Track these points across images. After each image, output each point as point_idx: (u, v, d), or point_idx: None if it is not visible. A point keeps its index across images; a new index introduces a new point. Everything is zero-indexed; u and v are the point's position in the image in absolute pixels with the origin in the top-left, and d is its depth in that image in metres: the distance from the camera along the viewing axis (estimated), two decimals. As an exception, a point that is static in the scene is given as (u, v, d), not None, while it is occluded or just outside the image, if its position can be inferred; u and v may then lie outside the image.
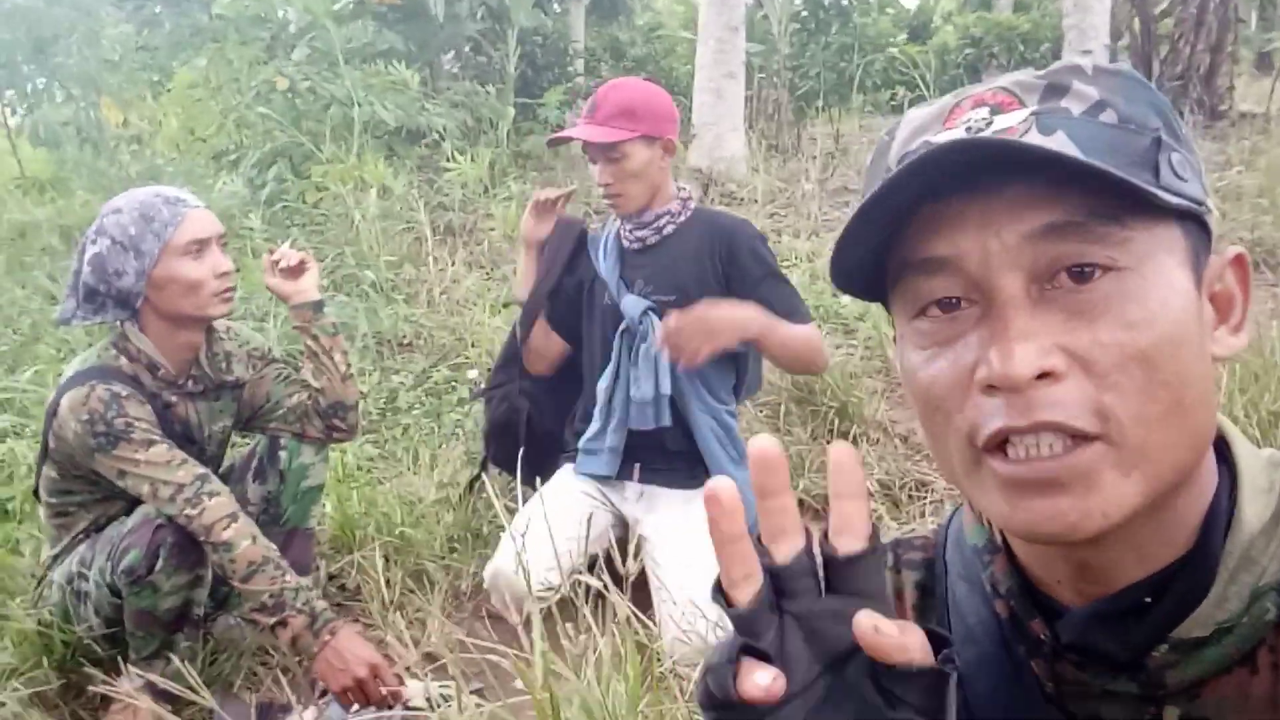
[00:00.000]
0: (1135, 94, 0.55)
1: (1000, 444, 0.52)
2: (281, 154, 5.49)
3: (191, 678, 1.40)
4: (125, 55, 6.13)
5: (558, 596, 2.12)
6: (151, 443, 1.83)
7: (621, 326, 2.23)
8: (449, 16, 7.74)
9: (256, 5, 6.21)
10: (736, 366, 2.28)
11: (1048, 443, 0.50)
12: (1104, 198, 0.50)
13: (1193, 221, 0.54)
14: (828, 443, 2.90)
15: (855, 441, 2.90)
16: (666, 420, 2.17)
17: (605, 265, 2.29)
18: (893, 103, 8.39)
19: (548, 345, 2.45)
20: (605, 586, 1.46)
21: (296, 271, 2.07)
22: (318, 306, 2.09)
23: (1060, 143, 0.52)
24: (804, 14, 7.96)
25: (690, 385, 2.20)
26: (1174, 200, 0.51)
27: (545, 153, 7.21)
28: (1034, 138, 0.52)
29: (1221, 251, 0.57)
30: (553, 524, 1.88)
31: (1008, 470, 0.52)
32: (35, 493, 2.05)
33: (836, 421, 2.97)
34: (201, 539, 1.81)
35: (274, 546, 1.87)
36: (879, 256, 0.58)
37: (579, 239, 2.40)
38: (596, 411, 2.26)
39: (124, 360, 1.93)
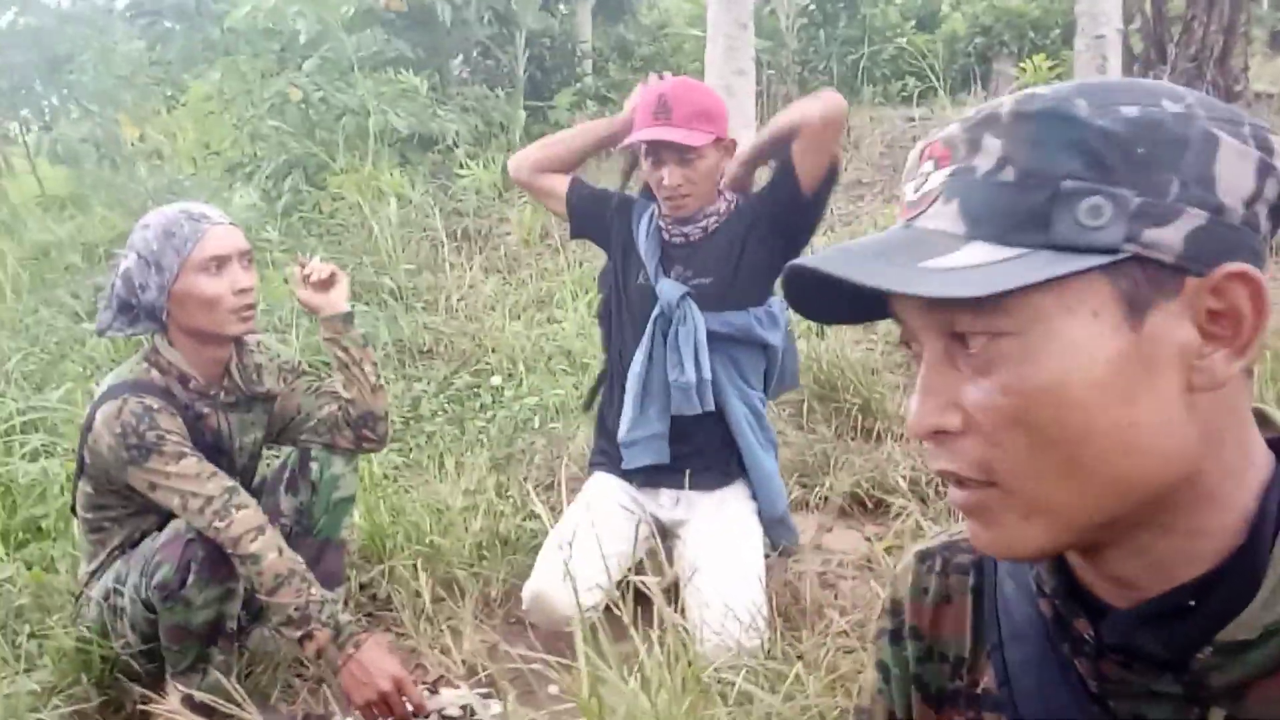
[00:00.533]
0: (1050, 138, 0.53)
1: None
2: (296, 165, 5.52)
3: (236, 691, 1.41)
4: (138, 71, 6.17)
5: (595, 615, 2.13)
6: (182, 455, 1.85)
7: (656, 311, 2.21)
8: (457, 22, 7.75)
9: (267, 17, 6.23)
10: (766, 354, 2.27)
11: (952, 483, 0.57)
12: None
13: (1134, 262, 0.51)
14: (851, 440, 2.91)
15: (879, 438, 2.90)
16: (710, 404, 2.16)
17: (645, 245, 2.26)
18: (903, 94, 8.35)
19: (547, 181, 2.38)
20: (647, 592, 1.46)
21: (327, 284, 2.08)
22: (348, 319, 2.10)
23: (950, 215, 0.55)
24: (811, 8, 7.93)
25: (724, 370, 2.20)
26: (1036, 274, 0.51)
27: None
28: (937, 208, 0.56)
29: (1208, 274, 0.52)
30: (592, 539, 1.88)
31: (950, 499, 0.59)
32: (72, 509, 2.07)
33: (860, 418, 2.97)
34: (229, 551, 1.82)
35: (300, 560, 1.88)
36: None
37: (625, 200, 2.38)
38: (630, 400, 2.23)
39: (155, 373, 1.95)
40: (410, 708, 1.85)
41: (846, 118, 2.10)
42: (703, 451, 2.23)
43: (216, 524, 1.82)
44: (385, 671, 1.83)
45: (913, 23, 8.33)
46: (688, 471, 2.21)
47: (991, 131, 0.55)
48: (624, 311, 2.31)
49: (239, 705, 1.36)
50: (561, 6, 10.59)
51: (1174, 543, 0.56)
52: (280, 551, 1.84)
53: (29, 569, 2.28)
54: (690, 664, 1.41)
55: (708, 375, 2.16)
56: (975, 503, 0.56)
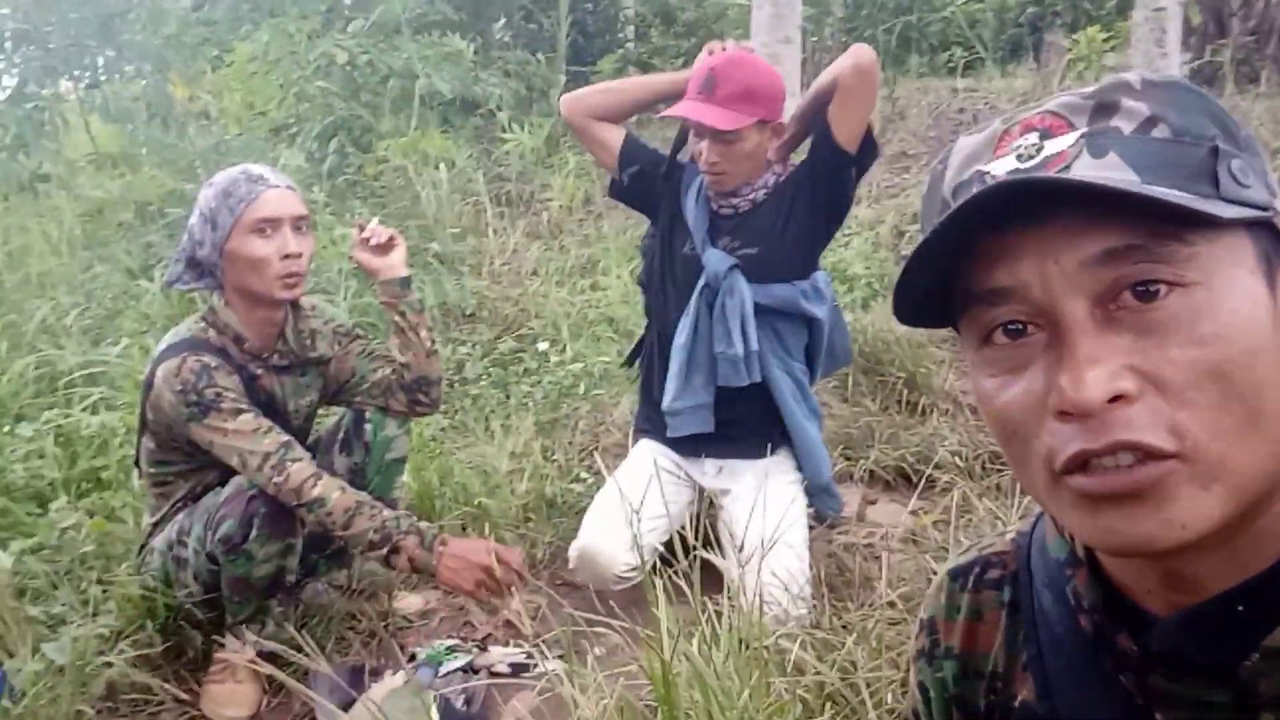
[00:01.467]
0: (1188, 104, 0.54)
1: (1079, 466, 0.52)
2: (341, 127, 5.54)
3: (306, 641, 1.45)
4: (185, 30, 6.20)
5: (641, 576, 2.16)
6: (239, 412, 1.89)
7: (702, 282, 2.20)
8: (500, -16, 7.72)
9: (315, -22, 6.24)
10: (810, 328, 2.27)
11: (1126, 461, 0.51)
12: (1163, 217, 0.50)
13: (1261, 226, 0.54)
14: (896, 414, 2.91)
15: (925, 413, 2.90)
16: (757, 375, 2.17)
17: (693, 215, 2.25)
18: (950, 64, 8.22)
19: (601, 131, 2.33)
20: (710, 559, 1.48)
21: (385, 248, 2.10)
22: (405, 283, 2.12)
23: (1112, 164, 0.52)
24: (859, -25, 7.80)
25: (768, 342, 2.20)
26: (1235, 212, 0.51)
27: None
28: (1085, 162, 0.53)
29: None
30: (637, 502, 1.90)
31: (1085, 484, 0.52)
32: (136, 463, 2.13)
33: (905, 392, 2.97)
34: (293, 504, 1.87)
35: (363, 492, 1.94)
36: (944, 288, 0.59)
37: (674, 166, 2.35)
38: (675, 370, 2.23)
39: (212, 333, 1.98)
40: (515, 571, 1.90)
41: (879, 70, 2.06)
42: (746, 421, 2.24)
43: (275, 479, 1.86)
44: (478, 550, 1.89)
45: (962, -8, 8.18)
46: (731, 440, 2.23)
47: (1128, 96, 0.54)
48: (668, 280, 2.30)
49: (302, 651, 1.40)
50: (604, -30, 10.49)
51: (1254, 537, 0.55)
52: (343, 490, 1.89)
53: (91, 518, 2.35)
54: (746, 631, 1.43)
55: (755, 347, 2.15)
56: (1150, 481, 0.51)
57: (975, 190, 0.53)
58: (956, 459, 2.54)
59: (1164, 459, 0.50)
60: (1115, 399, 0.50)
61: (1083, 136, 0.54)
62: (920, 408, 2.90)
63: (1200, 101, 0.55)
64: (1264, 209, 0.53)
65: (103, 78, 5.56)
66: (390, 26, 6.22)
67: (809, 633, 1.74)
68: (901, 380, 2.97)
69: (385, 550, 1.87)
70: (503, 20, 8.43)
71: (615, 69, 7.21)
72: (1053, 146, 0.54)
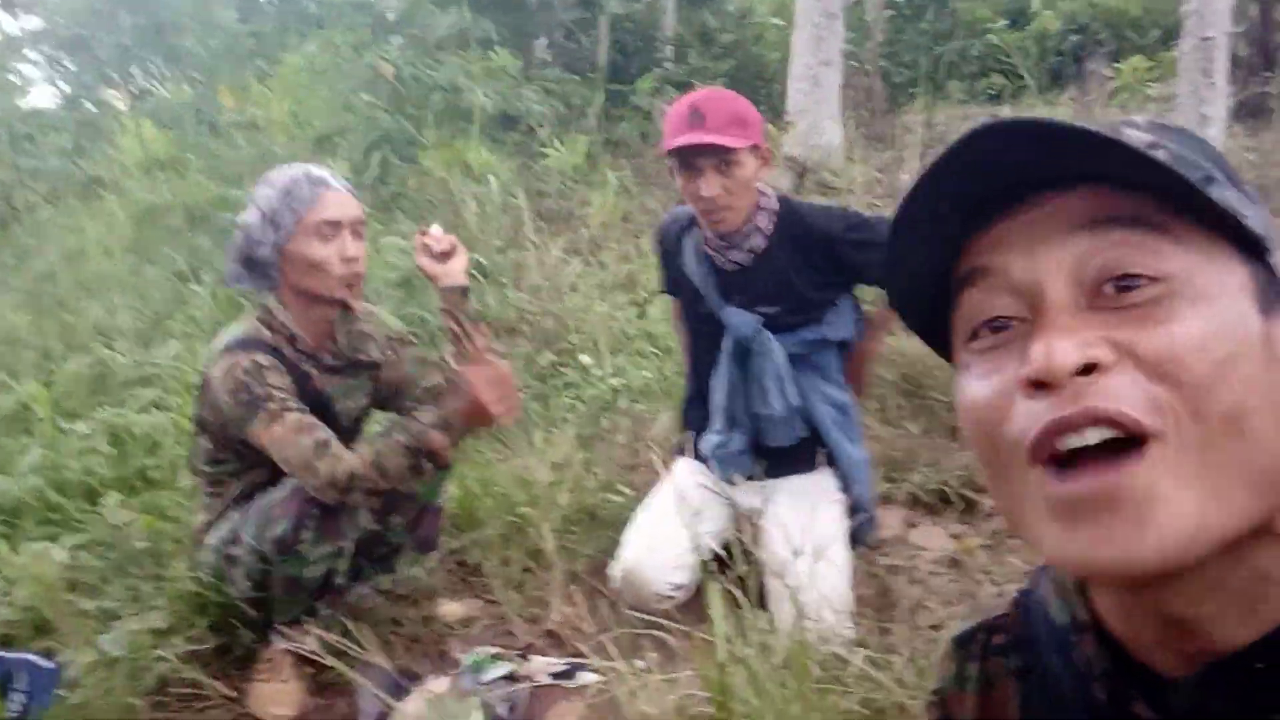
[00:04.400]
0: (1191, 144, 0.54)
1: (1051, 455, 0.49)
2: (385, 139, 5.63)
3: (357, 633, 1.47)
4: (234, 41, 6.33)
5: (684, 595, 2.17)
6: (287, 410, 1.91)
7: (730, 343, 2.19)
8: (541, 3, 7.82)
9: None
10: (842, 348, 2.27)
11: (1097, 439, 0.48)
12: (1152, 206, 0.50)
13: (1259, 263, 0.53)
14: (939, 438, 2.90)
15: (967, 437, 2.89)
16: (804, 431, 2.17)
17: (698, 274, 2.23)
18: (990, 90, 8.20)
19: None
20: (750, 564, 1.49)
21: (447, 254, 2.13)
22: (465, 292, 2.14)
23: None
24: (899, 0, 7.83)
25: (808, 380, 2.19)
26: (1224, 210, 0.50)
27: (636, 140, 7.25)
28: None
29: None
30: (677, 520, 1.91)
31: (1059, 491, 0.49)
32: (190, 463, 2.16)
33: (947, 416, 2.96)
34: (334, 495, 1.88)
35: (374, 442, 1.97)
36: (935, 297, 0.58)
37: (663, 237, 2.37)
38: (718, 423, 2.25)
39: (266, 332, 2.02)
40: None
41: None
42: (793, 452, 2.24)
43: (311, 480, 1.88)
44: (497, 380, 2.01)
45: (1003, 20, 8.18)
46: (773, 462, 2.23)
47: (1131, 127, 0.54)
48: (698, 337, 2.31)
49: (358, 646, 1.42)
50: (645, -9, 10.59)
51: (1256, 581, 0.52)
52: (358, 455, 1.92)
53: (141, 515, 2.39)
54: (797, 641, 1.44)
55: (796, 402, 2.15)
56: (1127, 483, 0.47)
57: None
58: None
59: (1141, 444, 0.47)
60: (1088, 368, 0.48)
61: None
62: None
63: (1203, 146, 0.55)
64: (1260, 242, 0.52)
65: (153, 85, 5.69)
66: (434, 41, 6.31)
67: (857, 650, 1.74)
68: (944, 404, 2.96)
69: (424, 460, 1.95)
70: (544, 39, 8.52)
71: (653, 88, 7.27)
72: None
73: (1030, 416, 0.50)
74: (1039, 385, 0.49)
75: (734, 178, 2.04)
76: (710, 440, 2.27)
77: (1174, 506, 0.47)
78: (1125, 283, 0.50)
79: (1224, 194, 0.51)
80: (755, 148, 2.07)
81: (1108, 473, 0.48)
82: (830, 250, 2.13)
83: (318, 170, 2.02)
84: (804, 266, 2.14)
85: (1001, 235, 0.53)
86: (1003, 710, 0.68)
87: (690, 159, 2.04)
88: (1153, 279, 0.50)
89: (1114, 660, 0.58)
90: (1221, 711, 0.53)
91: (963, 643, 0.72)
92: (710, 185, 2.03)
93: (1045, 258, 0.52)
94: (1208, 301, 0.50)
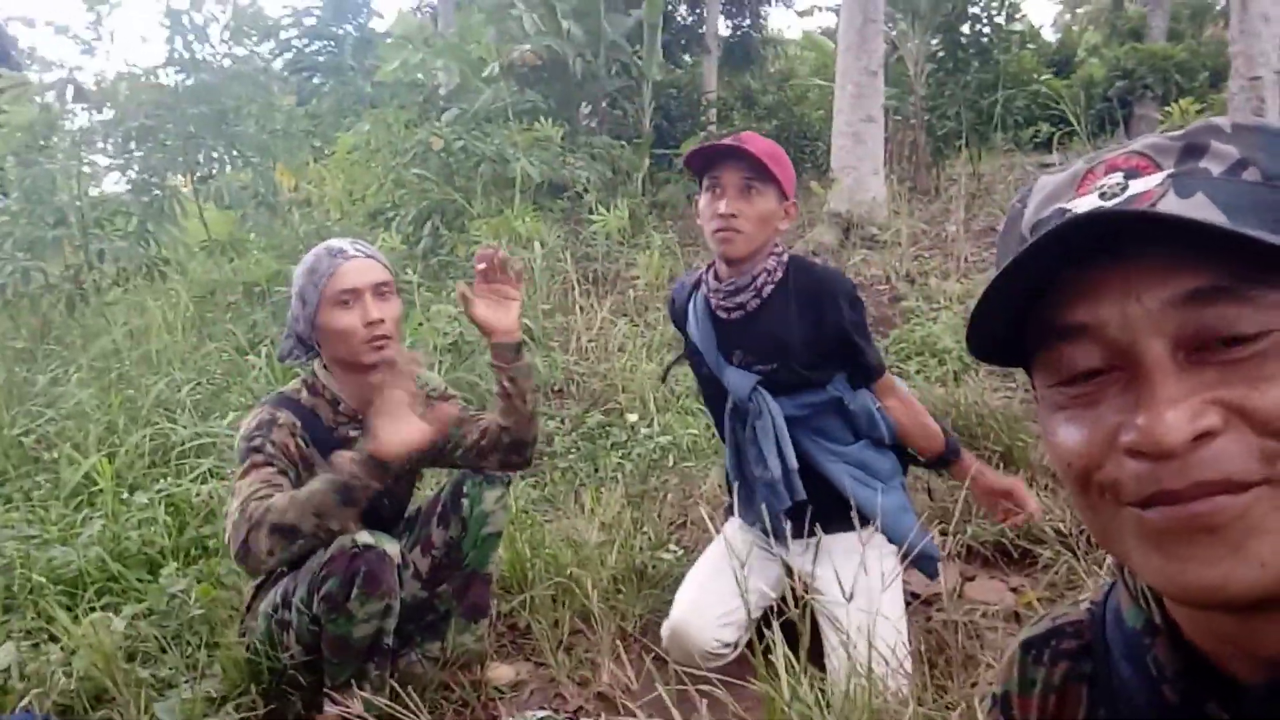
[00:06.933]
0: (1279, 149, 0.53)
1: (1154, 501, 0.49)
2: (435, 210, 5.78)
3: (413, 706, 1.46)
4: (293, 124, 6.59)
5: (737, 653, 2.13)
6: (268, 465, 1.92)
7: (729, 405, 2.17)
8: (587, 74, 8.03)
9: (412, 71, 6.58)
10: (851, 409, 2.20)
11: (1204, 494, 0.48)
12: (1250, 260, 0.48)
13: None
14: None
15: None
16: (801, 494, 2.10)
17: (699, 334, 2.21)
18: (1036, 139, 8.17)
19: None
20: (804, 610, 1.46)
21: (501, 297, 2.12)
22: (517, 349, 2.15)
23: (1200, 205, 0.50)
24: (941, 54, 7.89)
25: (812, 444, 2.15)
26: None
27: (681, 202, 7.34)
28: (1171, 201, 0.50)
29: None
30: (726, 578, 1.89)
31: (1155, 517, 0.49)
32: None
33: (1001, 466, 2.89)
34: (246, 530, 1.81)
35: (303, 487, 1.89)
36: (1018, 323, 0.57)
37: (672, 299, 2.38)
38: (737, 487, 2.26)
39: (305, 393, 2.07)
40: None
41: None
42: (821, 506, 2.19)
43: (238, 520, 1.82)
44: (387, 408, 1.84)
45: (1048, 69, 8.17)
46: (816, 518, 2.19)
47: (1218, 139, 0.53)
48: (708, 400, 2.32)
49: (408, 712, 1.41)
50: (687, 57, 10.82)
51: None
52: (281, 496, 1.85)
53: (198, 584, 2.43)
54: (855, 696, 1.40)
55: (794, 465, 2.10)
56: (1231, 512, 0.48)
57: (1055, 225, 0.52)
58: (1060, 533, 2.46)
59: (1249, 488, 0.47)
60: (1199, 437, 0.48)
61: (1170, 177, 0.52)
62: (1019, 482, 2.82)
63: None
64: None
65: (214, 170, 5.94)
66: (483, 114, 6.50)
67: (912, 707, 1.69)
68: (998, 454, 2.90)
69: (346, 494, 1.83)
70: (589, 108, 8.74)
71: (698, 151, 7.36)
72: (1138, 186, 0.52)
73: (1132, 478, 0.50)
74: (1142, 452, 0.49)
75: (754, 204, 2.03)
76: (736, 505, 2.27)
77: (1276, 540, 0.47)
78: (1226, 340, 0.49)
79: None
80: (782, 192, 2.07)
81: (1212, 500, 0.48)
82: (830, 305, 2.09)
83: (338, 242, 2.08)
84: (802, 324, 2.10)
85: (1095, 287, 0.52)
86: (1070, 715, 0.67)
87: (717, 174, 2.05)
88: (1255, 336, 0.49)
89: (1187, 663, 0.58)
90: None
91: (1029, 647, 0.71)
92: (730, 203, 2.03)
93: (1143, 319, 0.50)
94: None
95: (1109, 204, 0.52)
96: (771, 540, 2.24)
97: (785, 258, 2.17)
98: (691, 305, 2.25)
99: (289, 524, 1.82)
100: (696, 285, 2.27)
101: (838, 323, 2.08)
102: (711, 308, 2.19)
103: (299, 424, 2.00)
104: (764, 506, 2.05)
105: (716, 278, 2.17)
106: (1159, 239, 0.49)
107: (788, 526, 2.10)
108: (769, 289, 2.12)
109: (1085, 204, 0.53)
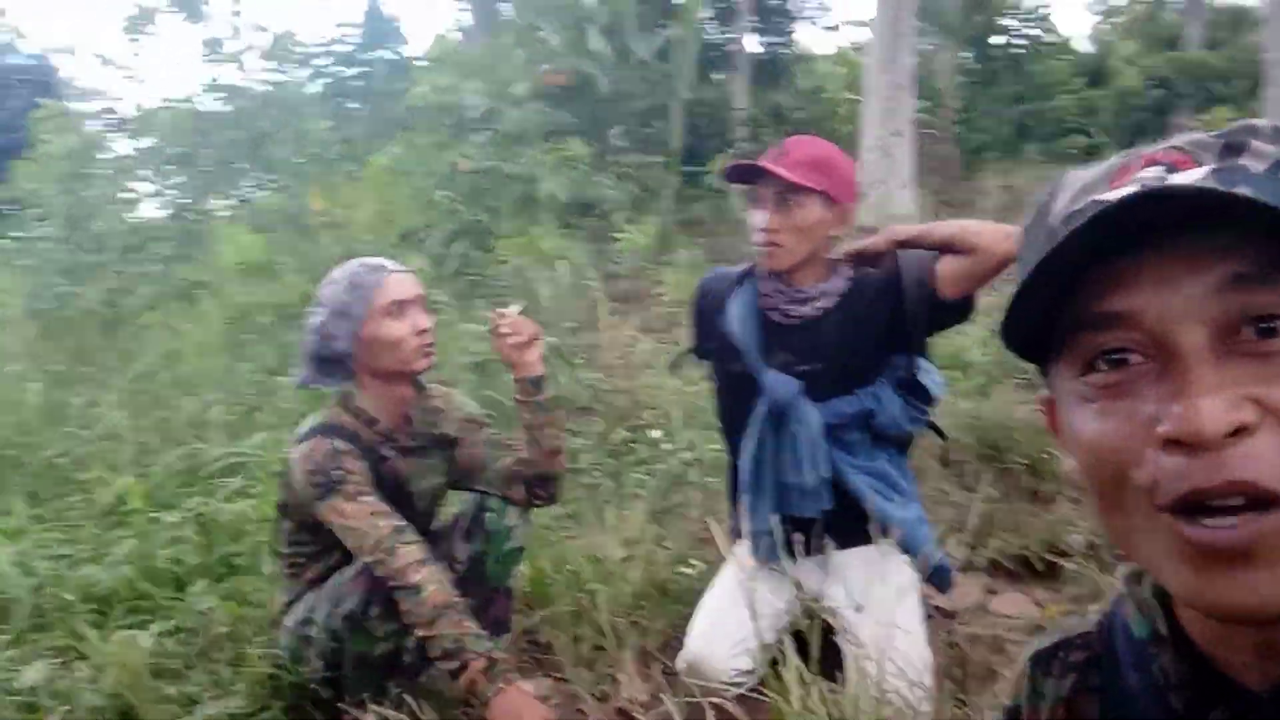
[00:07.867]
0: None
1: (1186, 507, 0.49)
2: (464, 231, 5.85)
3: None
4: (325, 147, 6.71)
5: (752, 680, 2.11)
6: (360, 494, 1.97)
7: (764, 407, 2.10)
8: (615, 93, 8.09)
9: (444, 94, 6.68)
10: (872, 422, 2.15)
11: (1238, 502, 0.47)
12: None
13: None
14: (1019, 502, 2.80)
15: (1051, 501, 2.78)
16: (830, 504, 2.08)
17: (740, 330, 2.14)
18: (1069, 150, 8.09)
19: None
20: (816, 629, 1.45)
21: (526, 345, 2.14)
22: (539, 382, 2.16)
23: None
24: (973, 66, 7.84)
25: (836, 455, 2.10)
26: None
27: (710, 218, 7.35)
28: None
29: None
30: (738, 604, 1.87)
31: (1192, 534, 0.48)
32: (273, 547, 2.23)
33: (1027, 479, 2.86)
34: (394, 583, 1.90)
35: (458, 595, 1.94)
36: (1047, 316, 0.56)
37: (703, 291, 2.31)
38: (745, 488, 2.17)
39: (346, 416, 2.09)
40: None
41: None
42: (835, 520, 2.16)
43: (382, 558, 1.91)
44: (535, 712, 1.87)
45: (1081, 79, 8.10)
46: (830, 535, 2.15)
47: (1257, 138, 0.53)
48: (728, 399, 2.24)
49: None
50: (716, 75, 10.86)
51: None
52: (441, 584, 1.91)
53: (225, 601, 2.46)
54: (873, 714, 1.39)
55: (828, 474, 2.06)
56: (1267, 540, 0.47)
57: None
58: (1088, 549, 2.42)
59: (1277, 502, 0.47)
60: (1234, 433, 0.47)
61: (1212, 172, 0.51)
62: (1044, 495, 2.78)
63: None
64: None
65: (248, 195, 6.06)
66: (513, 135, 6.58)
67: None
68: (1024, 467, 2.87)
69: (454, 665, 1.87)
70: (618, 127, 8.80)
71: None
72: (1179, 180, 0.51)
73: (1166, 475, 0.49)
74: (1178, 443, 0.48)
75: (790, 216, 1.99)
76: (743, 518, 2.18)
77: None
78: (1266, 324, 0.49)
79: None
80: (828, 198, 2.01)
81: (1245, 524, 0.47)
82: (899, 281, 2.03)
83: (373, 259, 2.13)
84: (867, 322, 2.06)
85: (1129, 277, 0.52)
86: None
87: (754, 187, 2.03)
88: None
89: (1194, 671, 0.58)
90: None
91: (1039, 659, 0.71)
92: (770, 219, 2.00)
93: (1181, 307, 0.50)
94: None
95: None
96: (781, 556, 2.21)
97: (856, 283, 2.10)
98: (738, 299, 2.18)
99: (415, 615, 1.89)
100: (741, 280, 2.21)
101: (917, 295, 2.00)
102: (761, 307, 2.15)
103: (354, 449, 2.04)
104: (776, 518, 2.03)
105: (779, 280, 2.12)
106: (1197, 227, 0.49)
107: (800, 541, 2.08)
108: (832, 304, 2.09)
109: (1126, 190, 0.52)
